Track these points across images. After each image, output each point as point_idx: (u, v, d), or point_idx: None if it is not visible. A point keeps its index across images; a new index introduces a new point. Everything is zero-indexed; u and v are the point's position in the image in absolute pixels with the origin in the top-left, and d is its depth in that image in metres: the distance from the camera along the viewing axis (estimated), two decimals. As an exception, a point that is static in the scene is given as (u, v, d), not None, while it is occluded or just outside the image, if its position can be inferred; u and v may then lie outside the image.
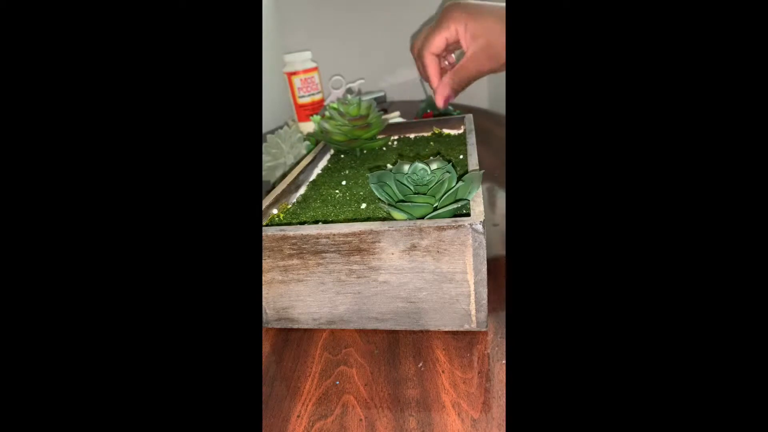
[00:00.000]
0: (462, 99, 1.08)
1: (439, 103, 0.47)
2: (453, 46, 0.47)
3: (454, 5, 0.45)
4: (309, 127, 0.87)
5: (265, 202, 0.41)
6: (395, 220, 0.33)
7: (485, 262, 0.30)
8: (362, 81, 0.87)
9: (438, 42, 0.46)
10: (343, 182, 0.47)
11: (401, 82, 1.18)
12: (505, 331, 0.33)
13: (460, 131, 0.58)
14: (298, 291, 0.35)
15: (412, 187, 0.35)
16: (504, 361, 0.31)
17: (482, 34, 0.42)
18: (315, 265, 0.33)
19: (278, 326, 0.37)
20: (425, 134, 0.60)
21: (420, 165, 0.36)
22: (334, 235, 0.31)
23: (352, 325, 0.36)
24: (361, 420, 0.28)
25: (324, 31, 1.15)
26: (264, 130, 0.96)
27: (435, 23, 0.46)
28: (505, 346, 0.32)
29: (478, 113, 0.91)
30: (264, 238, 0.33)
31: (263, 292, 0.36)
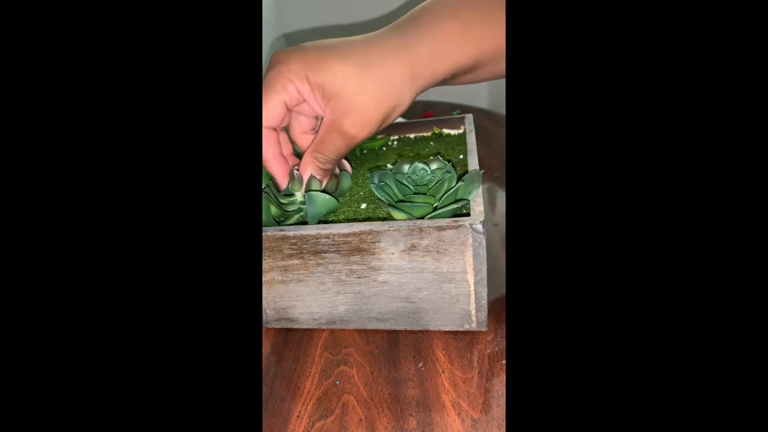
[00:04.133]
0: (462, 99, 1.08)
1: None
2: (299, 108, 0.33)
3: (284, 53, 0.31)
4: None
5: (265, 202, 0.41)
6: (395, 220, 0.33)
7: (485, 262, 0.30)
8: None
9: (273, 111, 0.31)
10: (343, 182, 0.47)
11: (401, 82, 1.17)
12: (505, 331, 0.33)
13: (460, 131, 0.58)
14: (298, 291, 0.35)
15: (412, 187, 0.35)
16: (504, 361, 0.31)
17: (337, 90, 0.29)
18: (315, 265, 0.33)
19: (278, 326, 0.37)
20: (425, 134, 0.60)
21: (420, 165, 0.36)
22: (334, 235, 0.31)
23: (352, 325, 0.36)
24: (361, 420, 0.28)
25: (324, 30, 1.15)
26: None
27: (264, 82, 0.31)
28: (505, 346, 0.32)
29: (478, 113, 0.91)
30: (264, 238, 0.33)
31: (263, 292, 0.36)
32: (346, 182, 0.41)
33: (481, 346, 0.33)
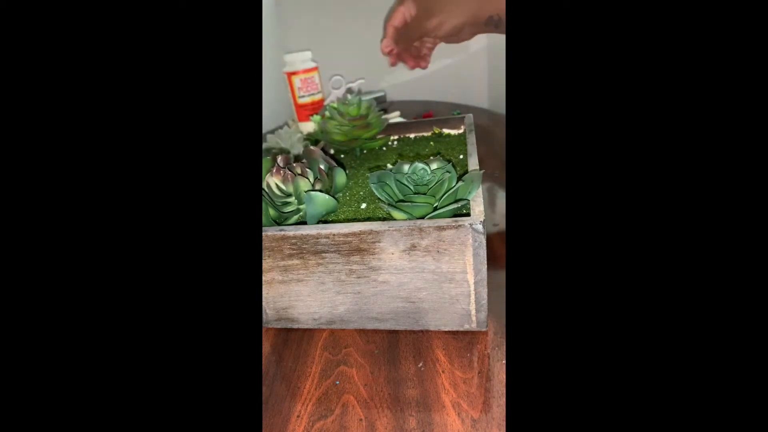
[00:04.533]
0: (462, 99, 1.08)
1: (383, 48, 0.53)
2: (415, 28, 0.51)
3: None
4: (309, 127, 0.87)
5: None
6: (395, 220, 0.33)
7: (485, 262, 0.30)
8: (362, 81, 0.87)
9: (397, 16, 0.51)
10: (343, 182, 0.47)
11: (401, 82, 1.18)
12: (505, 331, 0.33)
13: (460, 131, 0.58)
14: (298, 291, 0.35)
15: (412, 187, 0.35)
16: (504, 361, 0.31)
17: None
18: (315, 265, 0.33)
19: (278, 326, 0.37)
20: (425, 134, 0.60)
21: (420, 165, 0.36)
22: (334, 235, 0.31)
23: (352, 325, 0.36)
24: (361, 420, 0.28)
25: (324, 31, 1.15)
26: (264, 130, 0.96)
27: None
28: (505, 346, 0.32)
29: (478, 113, 0.91)
30: (264, 238, 0.33)
31: (263, 292, 0.36)
32: (340, 179, 0.41)
33: (481, 346, 0.33)
